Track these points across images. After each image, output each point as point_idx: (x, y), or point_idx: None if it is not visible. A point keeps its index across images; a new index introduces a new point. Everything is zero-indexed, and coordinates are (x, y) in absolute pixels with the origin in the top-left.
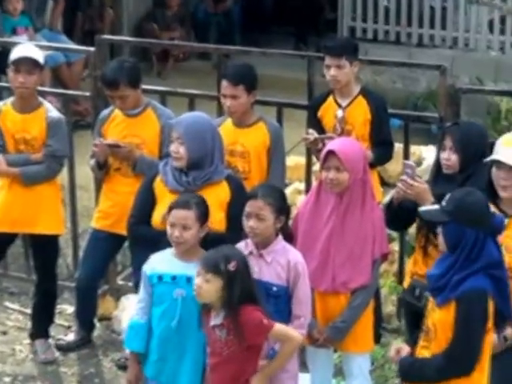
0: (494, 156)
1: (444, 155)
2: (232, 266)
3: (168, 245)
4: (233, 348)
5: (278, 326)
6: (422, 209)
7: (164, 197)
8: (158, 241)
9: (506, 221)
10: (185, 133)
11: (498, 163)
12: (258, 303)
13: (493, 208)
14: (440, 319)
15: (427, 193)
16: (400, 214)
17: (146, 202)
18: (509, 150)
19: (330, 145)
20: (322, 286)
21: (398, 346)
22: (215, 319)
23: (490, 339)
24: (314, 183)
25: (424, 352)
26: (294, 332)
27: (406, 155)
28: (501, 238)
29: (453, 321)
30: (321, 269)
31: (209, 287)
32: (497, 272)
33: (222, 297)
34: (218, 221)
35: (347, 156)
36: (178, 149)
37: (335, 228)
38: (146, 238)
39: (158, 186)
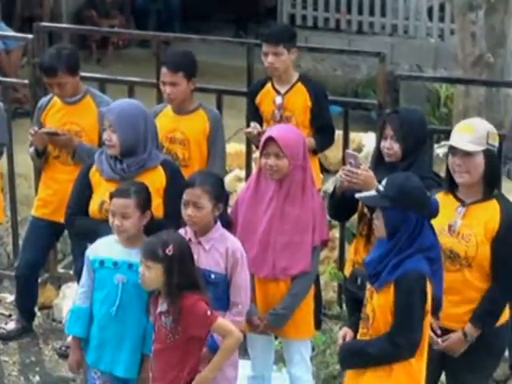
0: (449, 142)
1: (385, 144)
2: (169, 250)
3: (106, 233)
4: (177, 336)
5: (221, 321)
6: (361, 195)
7: (100, 186)
8: (94, 231)
9: (464, 210)
10: (116, 120)
11: (453, 149)
12: (201, 290)
13: (452, 197)
14: (379, 304)
15: (374, 179)
16: (343, 204)
17: (83, 192)
18: (462, 135)
19: (270, 131)
20: (262, 272)
21: (344, 332)
22: (161, 306)
23: (427, 323)
24: (254, 170)
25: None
26: (235, 328)
27: (346, 142)
28: (457, 227)
29: (392, 304)
30: (261, 255)
31: (150, 274)
32: (432, 254)
33: (164, 283)
34: (154, 207)
35: (286, 142)
36: (110, 137)
37: (275, 215)
38: (83, 228)
39: (94, 175)
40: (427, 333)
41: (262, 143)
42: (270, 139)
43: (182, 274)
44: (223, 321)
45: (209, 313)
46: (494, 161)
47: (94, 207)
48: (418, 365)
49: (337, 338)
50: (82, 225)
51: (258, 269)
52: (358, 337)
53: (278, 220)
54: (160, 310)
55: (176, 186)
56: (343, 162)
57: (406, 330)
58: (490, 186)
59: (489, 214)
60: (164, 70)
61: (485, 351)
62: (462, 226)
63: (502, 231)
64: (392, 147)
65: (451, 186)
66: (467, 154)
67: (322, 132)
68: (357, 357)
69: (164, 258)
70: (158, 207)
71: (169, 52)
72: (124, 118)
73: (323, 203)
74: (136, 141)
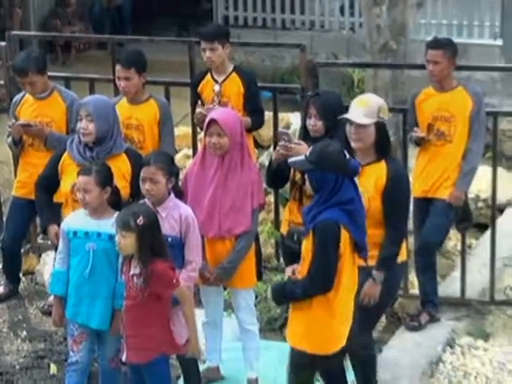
0: (346, 115)
1: (310, 122)
2: (140, 221)
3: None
4: (146, 295)
5: (182, 288)
6: (291, 160)
7: (71, 170)
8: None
9: (360, 170)
10: (94, 111)
11: (350, 121)
12: (167, 256)
13: None
14: (305, 247)
15: (306, 149)
16: (278, 174)
17: (52, 172)
18: (358, 109)
19: (212, 114)
20: (210, 233)
21: (294, 267)
22: (134, 269)
23: (343, 264)
24: (200, 148)
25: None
26: (189, 295)
27: (276, 121)
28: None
29: (312, 247)
30: (208, 219)
31: (125, 242)
32: (351, 207)
33: (137, 249)
34: (121, 188)
35: (226, 123)
36: (87, 125)
37: (219, 184)
38: (39, 200)
39: (66, 160)
40: (344, 272)
41: (205, 124)
42: (213, 121)
43: (151, 240)
44: (184, 288)
45: (174, 280)
46: (383, 130)
47: (65, 189)
48: (334, 299)
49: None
50: (40, 197)
51: (207, 230)
52: (298, 276)
53: (222, 189)
54: (133, 272)
55: (139, 170)
56: (274, 138)
57: (320, 270)
58: (380, 150)
59: (378, 173)
60: (118, 67)
61: (383, 290)
62: (358, 185)
63: (389, 185)
64: (316, 124)
65: (349, 150)
66: (361, 126)
67: (254, 114)
68: (286, 295)
69: (136, 228)
70: (124, 189)
71: (122, 51)
72: (100, 109)
73: (259, 173)
74: (107, 131)
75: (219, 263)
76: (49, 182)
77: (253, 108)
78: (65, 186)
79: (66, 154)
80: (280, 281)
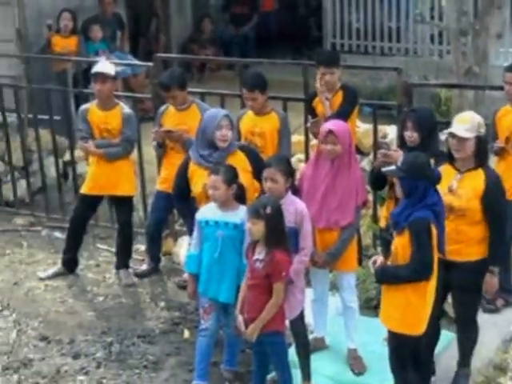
0: (450, 129)
1: (407, 133)
2: (268, 210)
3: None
4: (262, 275)
5: (280, 285)
6: (385, 168)
7: (199, 173)
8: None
9: (460, 176)
10: (231, 122)
11: (452, 134)
12: (288, 245)
13: (452, 168)
14: (398, 243)
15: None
16: (379, 178)
17: (182, 180)
18: (460, 125)
19: (329, 125)
20: (320, 224)
21: (375, 258)
22: (258, 255)
23: (435, 254)
24: (312, 154)
25: None
26: (280, 297)
27: (375, 132)
28: (454, 188)
29: (408, 242)
30: (319, 212)
31: (255, 228)
32: (436, 208)
33: (265, 234)
34: (243, 179)
35: (340, 133)
36: (227, 133)
37: (329, 184)
38: (183, 208)
39: (192, 167)
40: (435, 261)
41: (323, 133)
42: (330, 131)
43: (276, 227)
44: (281, 286)
45: (284, 273)
46: (481, 142)
47: (197, 190)
48: (427, 286)
49: (372, 272)
50: (179, 206)
51: (318, 222)
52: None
53: (331, 187)
54: (256, 257)
55: (257, 162)
56: (374, 147)
57: (423, 260)
58: (478, 159)
59: (476, 179)
60: (244, 90)
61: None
62: (458, 188)
63: (488, 190)
64: (412, 135)
65: (452, 160)
66: (463, 139)
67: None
68: (389, 277)
69: (264, 216)
70: (246, 179)
71: (245, 76)
72: (232, 120)
73: (362, 176)
74: (235, 137)
75: (327, 250)
76: (182, 190)
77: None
78: (196, 187)
79: (191, 162)
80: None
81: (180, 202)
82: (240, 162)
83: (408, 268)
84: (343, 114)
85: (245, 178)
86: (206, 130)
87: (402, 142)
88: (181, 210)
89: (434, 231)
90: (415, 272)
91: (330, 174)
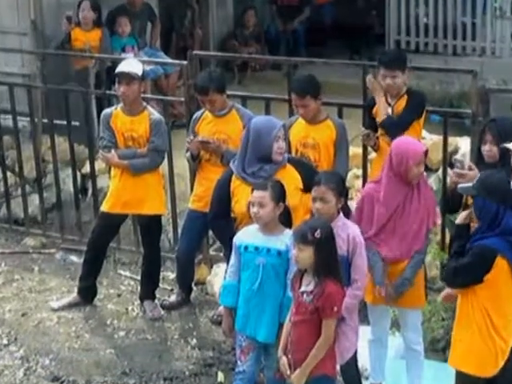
0: None
1: (485, 147)
2: (317, 234)
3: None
4: (310, 310)
5: (332, 321)
6: (460, 186)
7: (243, 189)
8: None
9: None
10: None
11: None
12: (339, 274)
13: None
14: None
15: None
16: (454, 200)
17: (222, 197)
18: None
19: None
20: (391, 255)
21: (446, 292)
22: (306, 286)
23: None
24: (375, 171)
25: None
26: (331, 336)
27: (445, 145)
28: None
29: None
30: (390, 241)
31: (303, 255)
32: None
33: (314, 262)
34: (294, 196)
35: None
36: (283, 145)
37: (401, 207)
38: (221, 230)
39: (235, 182)
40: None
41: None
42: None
43: (327, 254)
44: (333, 323)
45: (335, 309)
46: None
47: (241, 209)
48: (498, 324)
49: (439, 309)
50: (219, 227)
51: (389, 253)
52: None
53: (402, 211)
54: (304, 289)
55: (308, 171)
56: (443, 162)
57: (463, 272)
58: None
59: None
60: (294, 96)
61: None
62: None
63: None
64: (491, 150)
65: None
66: None
67: (395, 123)
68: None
69: (313, 241)
70: (295, 198)
71: (295, 80)
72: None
73: (434, 195)
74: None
75: (392, 281)
76: (221, 210)
77: (402, 119)
78: (239, 206)
79: (234, 177)
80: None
81: (217, 223)
82: (290, 177)
83: (456, 265)
84: (403, 123)
85: (294, 196)
86: (262, 143)
87: (478, 158)
88: (218, 232)
89: (505, 264)
90: (454, 275)
91: (401, 197)
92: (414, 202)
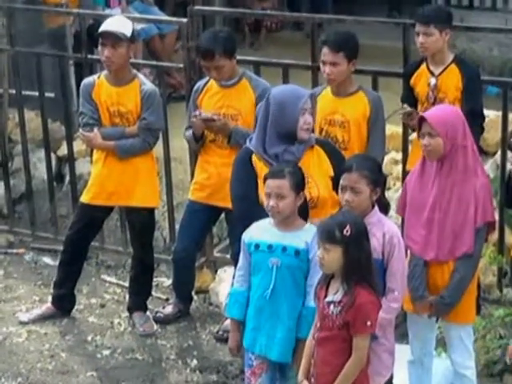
0: None
1: None
2: (346, 231)
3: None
4: (338, 324)
5: (364, 338)
6: None
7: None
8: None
9: None
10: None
11: None
12: (374, 281)
13: None
14: None
15: None
16: None
17: (249, 179)
18: None
19: (424, 113)
20: (427, 255)
21: None
22: (333, 295)
23: None
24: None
25: None
26: (363, 356)
27: (505, 122)
28: None
29: None
30: (426, 239)
31: (330, 257)
32: None
33: (343, 266)
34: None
35: (437, 120)
36: (311, 120)
37: (438, 196)
38: (248, 214)
39: (257, 164)
40: None
41: (417, 125)
42: (422, 119)
43: (360, 256)
44: (367, 339)
45: (369, 323)
46: None
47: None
48: None
49: (496, 324)
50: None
51: (423, 252)
52: None
53: (441, 201)
54: (331, 298)
55: (338, 158)
56: (502, 144)
57: None
58: None
59: None
60: (325, 49)
61: None
62: None
63: None
64: None
65: None
66: None
67: (471, 118)
68: None
69: (342, 240)
70: (325, 187)
71: (331, 32)
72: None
73: (488, 183)
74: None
75: (436, 291)
76: (252, 191)
77: (470, 109)
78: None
79: (254, 158)
80: (501, 316)
81: (250, 214)
82: (320, 161)
83: None
84: (478, 109)
85: (325, 185)
86: (286, 118)
87: None
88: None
89: None
90: None
91: (437, 182)
92: (457, 189)
